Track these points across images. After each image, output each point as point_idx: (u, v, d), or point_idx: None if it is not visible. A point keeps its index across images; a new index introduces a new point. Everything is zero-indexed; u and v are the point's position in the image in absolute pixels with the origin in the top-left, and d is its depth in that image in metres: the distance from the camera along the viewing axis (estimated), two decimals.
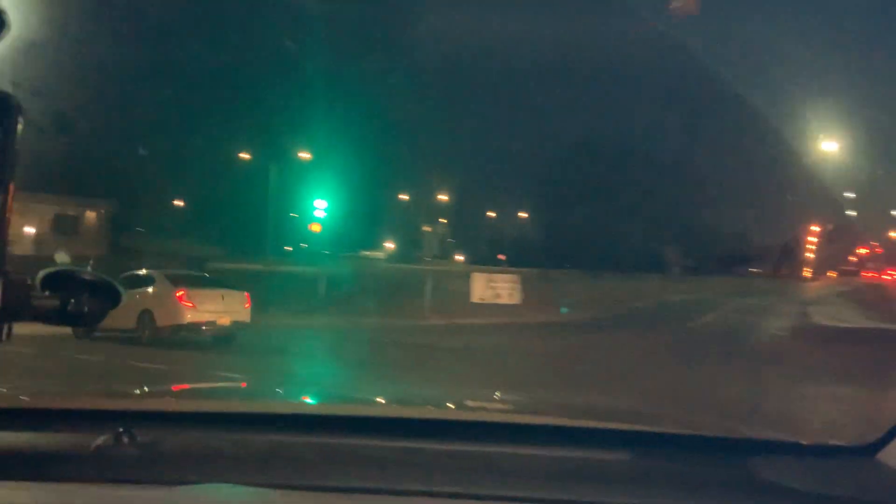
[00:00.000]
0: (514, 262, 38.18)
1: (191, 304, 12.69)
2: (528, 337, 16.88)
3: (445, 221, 52.64)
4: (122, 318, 11.96)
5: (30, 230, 41.36)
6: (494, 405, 2.45)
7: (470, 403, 2.37)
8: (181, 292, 12.85)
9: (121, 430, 1.45)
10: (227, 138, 46.07)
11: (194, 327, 12.71)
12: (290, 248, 47.85)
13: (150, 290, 13.26)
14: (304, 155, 39.25)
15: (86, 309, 1.07)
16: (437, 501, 1.36)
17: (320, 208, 30.88)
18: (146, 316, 12.84)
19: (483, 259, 44.21)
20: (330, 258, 35.60)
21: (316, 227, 31.39)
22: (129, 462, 1.43)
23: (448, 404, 2.25)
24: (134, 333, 12.81)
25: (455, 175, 52.75)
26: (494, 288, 21.84)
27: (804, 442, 1.67)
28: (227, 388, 3.12)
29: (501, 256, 46.61)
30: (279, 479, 1.40)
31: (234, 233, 50.71)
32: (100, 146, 38.44)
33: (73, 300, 1.06)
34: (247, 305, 13.40)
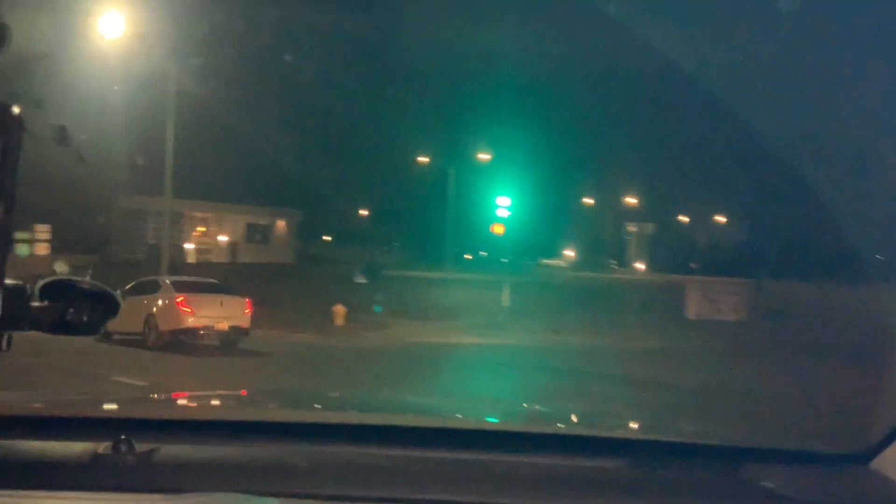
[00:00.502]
0: (708, 271, 33.78)
1: (189, 310, 12.85)
2: (796, 371, 11.66)
3: (634, 228, 48.65)
4: (132, 322, 12.45)
5: (223, 238, 43.55)
6: (490, 414, 2.45)
7: (467, 412, 2.43)
8: (181, 298, 13.08)
9: (119, 438, 1.45)
10: (408, 144, 45.50)
11: (192, 332, 12.87)
12: (470, 256, 46.87)
13: (155, 296, 13.59)
14: (484, 156, 37.40)
15: (85, 318, 1.10)
16: None
17: (503, 206, 28.25)
18: (151, 320, 13.17)
19: (671, 267, 39.95)
20: (510, 266, 33.57)
21: (499, 229, 28.79)
22: (128, 470, 1.44)
23: (445, 413, 2.37)
24: (141, 337, 13.14)
25: (642, 176, 48.58)
26: (715, 301, 18.42)
27: (798, 449, 1.74)
28: (226, 396, 2.84)
29: (693, 265, 41.92)
30: (277, 487, 1.40)
31: (415, 239, 50.70)
32: (288, 156, 39.43)
33: (71, 309, 1.09)
34: (246, 311, 13.46)
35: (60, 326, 1.10)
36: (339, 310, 18.50)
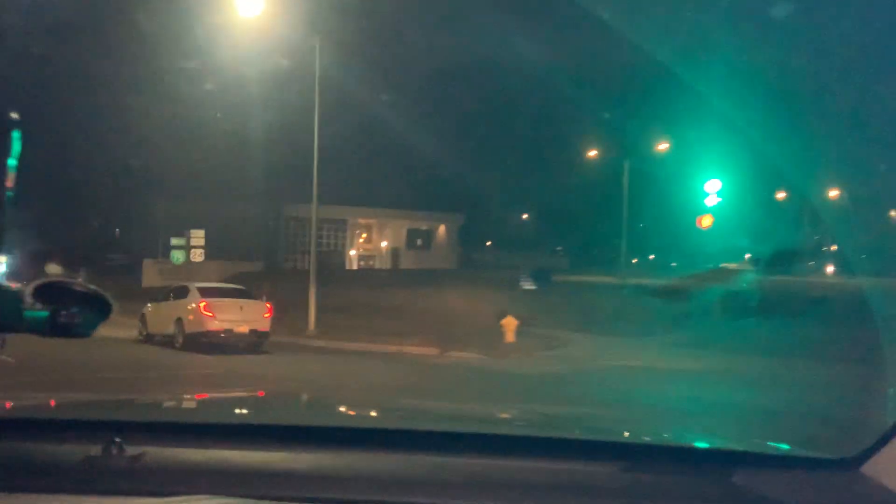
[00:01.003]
0: None
1: (211, 314, 13.60)
2: None
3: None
4: (165, 323, 14.49)
5: (385, 244, 43.07)
6: (485, 418, 2.46)
7: (461, 416, 2.45)
8: (204, 303, 13.81)
9: (110, 441, 1.46)
10: (574, 139, 42.25)
11: (213, 334, 13.52)
12: (636, 260, 42.59)
13: (184, 301, 14.51)
14: (664, 145, 33.35)
15: (77, 320, 1.11)
16: None
17: (712, 192, 24.20)
18: (179, 323, 14.19)
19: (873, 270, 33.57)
20: (682, 270, 29.54)
21: (706, 221, 24.98)
22: (119, 473, 1.44)
23: (439, 417, 2.35)
24: (171, 338, 14.38)
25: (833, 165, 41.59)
26: None
27: (790, 454, 1.77)
28: (218, 400, 2.78)
29: None
30: (267, 491, 1.39)
31: (584, 242, 47.12)
32: (449, 160, 37.85)
33: (64, 312, 1.10)
34: (266, 315, 14.21)
35: (54, 328, 1.10)
36: (510, 323, 15.35)
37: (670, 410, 8.56)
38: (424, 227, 45.29)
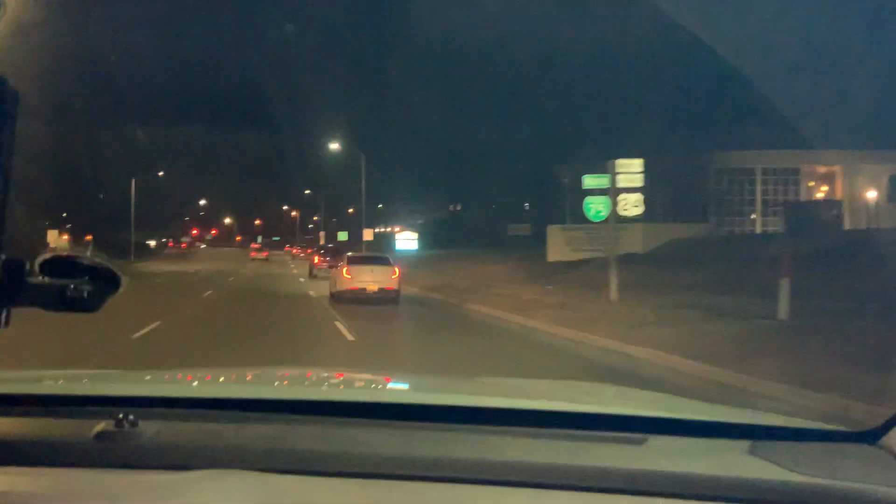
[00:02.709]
0: None
1: (349, 276, 17.69)
2: None
3: None
4: (331, 284, 19.68)
5: (861, 196, 32.74)
6: (498, 390, 2.44)
7: (472, 388, 2.40)
8: (345, 268, 18.07)
9: (122, 415, 1.46)
10: None
11: (351, 292, 17.44)
12: None
13: (338, 266, 19.34)
14: None
15: (85, 294, 1.08)
16: (439, 486, 1.36)
17: None
18: (333, 284, 18.96)
19: None
20: None
21: None
22: (131, 447, 1.45)
23: (449, 390, 2.32)
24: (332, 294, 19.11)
25: None
26: None
27: (806, 427, 1.70)
28: (230, 373, 2.74)
29: None
30: (282, 464, 1.40)
31: None
32: None
33: (72, 285, 1.08)
34: (393, 276, 17.98)
35: (60, 302, 1.07)
36: None
37: None
38: None
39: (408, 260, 32.05)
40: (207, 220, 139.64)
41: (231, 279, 28.09)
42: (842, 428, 1.63)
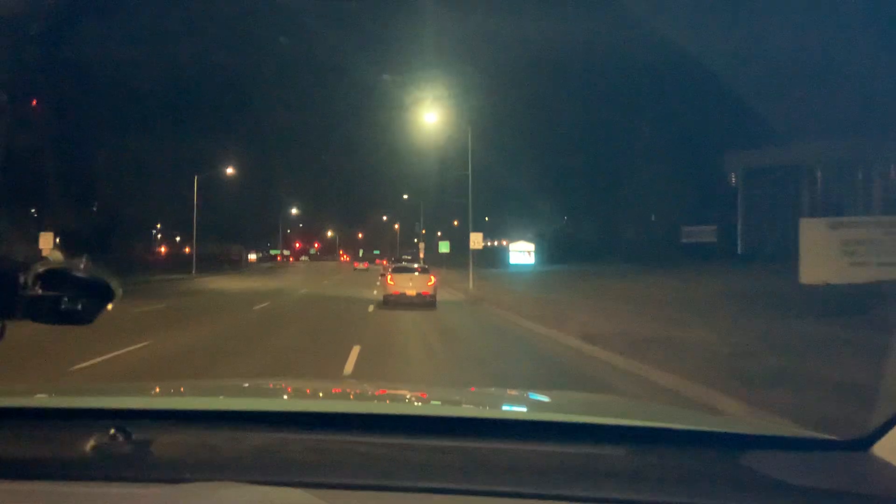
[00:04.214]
0: None
1: (392, 283, 19.89)
2: None
3: None
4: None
5: None
6: (491, 401, 2.43)
7: (467, 399, 2.46)
8: (389, 276, 20.40)
9: (116, 428, 1.48)
10: None
11: (394, 296, 19.47)
12: None
13: (383, 276, 23.13)
14: None
15: (79, 307, 1.09)
16: (434, 497, 1.36)
17: None
18: (383, 289, 20.81)
19: None
20: None
21: None
22: (125, 460, 1.44)
23: (445, 401, 2.36)
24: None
25: None
26: None
27: (799, 436, 1.72)
28: (223, 386, 2.79)
29: None
30: (276, 476, 1.40)
31: None
32: None
33: (66, 298, 1.08)
34: (429, 283, 19.73)
35: (55, 315, 1.08)
36: None
37: None
38: None
39: (527, 279, 26.63)
40: (311, 232, 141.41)
41: (265, 305, 19.40)
42: (833, 436, 1.61)
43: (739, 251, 41.65)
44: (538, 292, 23.48)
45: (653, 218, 50.97)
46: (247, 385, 2.77)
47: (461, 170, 28.70)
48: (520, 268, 49.33)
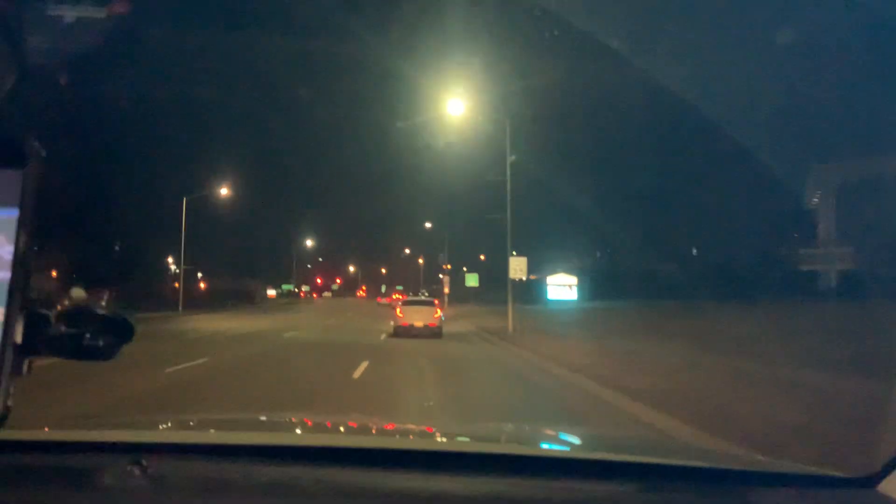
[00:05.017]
0: None
1: (401, 315, 21.28)
2: None
3: None
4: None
5: None
6: (501, 436, 2.41)
7: (477, 435, 2.39)
8: (398, 309, 21.96)
9: (132, 461, 1.50)
10: None
11: (403, 328, 20.71)
12: None
13: (395, 309, 23.71)
14: None
15: (101, 343, 1.13)
16: None
17: None
18: (394, 321, 21.97)
19: None
20: None
21: None
22: (140, 493, 1.46)
23: (455, 437, 2.33)
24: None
25: None
26: None
27: (805, 473, 1.70)
28: (238, 420, 2.86)
29: None
30: None
31: None
32: None
33: (88, 335, 1.12)
34: (436, 315, 21.10)
35: (77, 352, 1.11)
36: None
37: None
38: None
39: (583, 320, 24.87)
40: (333, 268, 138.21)
41: (202, 361, 12.83)
42: (839, 473, 1.59)
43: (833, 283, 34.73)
44: (616, 341, 16.52)
45: (718, 242, 44.17)
46: (262, 419, 2.84)
47: (496, 176, 22.17)
48: (560, 304, 42.40)
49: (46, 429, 2.04)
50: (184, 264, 42.83)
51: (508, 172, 20.85)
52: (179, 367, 11.72)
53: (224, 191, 41.96)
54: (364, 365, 12.25)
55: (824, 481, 1.59)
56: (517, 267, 20.57)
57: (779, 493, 1.50)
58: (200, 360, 12.89)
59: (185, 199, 38.62)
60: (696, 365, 11.03)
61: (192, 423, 2.54)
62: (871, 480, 1.48)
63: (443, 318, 21.73)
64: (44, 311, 1.06)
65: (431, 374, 11.39)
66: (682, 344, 15.01)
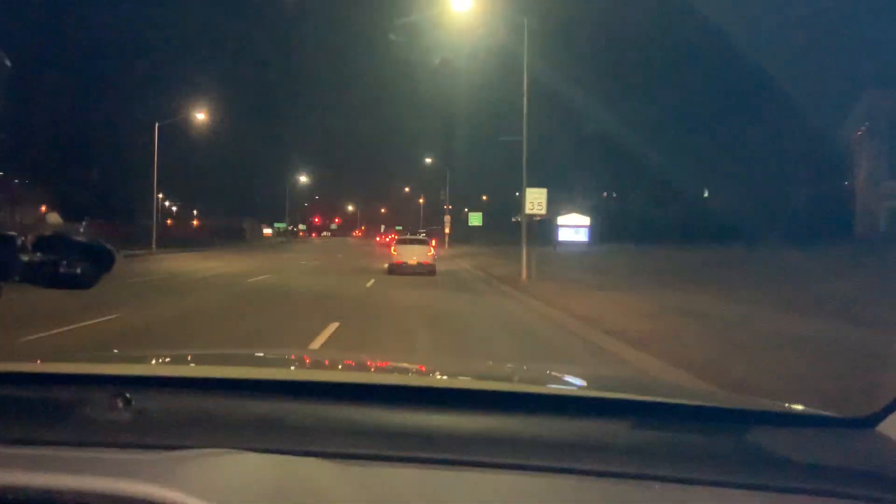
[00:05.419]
0: None
1: (396, 254, 21.74)
2: None
3: None
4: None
5: None
6: (496, 374, 2.40)
7: (471, 372, 2.42)
8: (393, 247, 22.40)
9: (116, 394, 1.46)
10: None
11: (397, 265, 21.25)
12: None
13: (390, 245, 24.78)
14: None
15: (77, 271, 1.08)
16: (436, 468, 1.34)
17: None
18: (389, 259, 22.60)
19: None
20: None
21: None
22: (124, 426, 1.43)
23: (449, 373, 2.32)
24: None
25: None
26: None
27: (804, 413, 1.68)
28: (226, 354, 2.84)
29: None
30: (277, 445, 1.38)
31: None
32: None
33: (65, 262, 1.07)
34: (429, 253, 21.75)
35: (54, 280, 1.07)
36: None
37: None
38: None
39: (616, 267, 20.53)
40: (332, 207, 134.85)
41: (114, 316, 9.14)
42: (839, 414, 1.59)
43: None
44: (668, 294, 12.84)
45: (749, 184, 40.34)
46: (248, 354, 2.76)
47: (511, 88, 18.19)
48: (572, 247, 38.72)
49: (39, 361, 1.91)
50: (163, 199, 39.27)
51: (526, 82, 16.78)
52: (55, 331, 8.04)
53: (201, 115, 37.51)
54: (332, 328, 8.61)
55: (822, 421, 1.60)
56: (535, 200, 16.73)
57: (776, 432, 1.49)
58: (104, 318, 9.23)
59: (156, 125, 34.42)
60: (836, 340, 7.34)
61: (180, 358, 2.39)
62: (870, 421, 1.48)
63: (436, 257, 22.46)
64: (8, 233, 0.99)
65: (427, 350, 7.71)
66: (753, 298, 11.34)
